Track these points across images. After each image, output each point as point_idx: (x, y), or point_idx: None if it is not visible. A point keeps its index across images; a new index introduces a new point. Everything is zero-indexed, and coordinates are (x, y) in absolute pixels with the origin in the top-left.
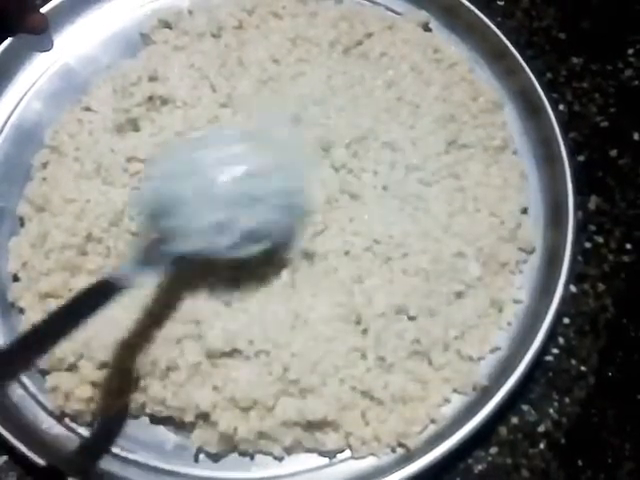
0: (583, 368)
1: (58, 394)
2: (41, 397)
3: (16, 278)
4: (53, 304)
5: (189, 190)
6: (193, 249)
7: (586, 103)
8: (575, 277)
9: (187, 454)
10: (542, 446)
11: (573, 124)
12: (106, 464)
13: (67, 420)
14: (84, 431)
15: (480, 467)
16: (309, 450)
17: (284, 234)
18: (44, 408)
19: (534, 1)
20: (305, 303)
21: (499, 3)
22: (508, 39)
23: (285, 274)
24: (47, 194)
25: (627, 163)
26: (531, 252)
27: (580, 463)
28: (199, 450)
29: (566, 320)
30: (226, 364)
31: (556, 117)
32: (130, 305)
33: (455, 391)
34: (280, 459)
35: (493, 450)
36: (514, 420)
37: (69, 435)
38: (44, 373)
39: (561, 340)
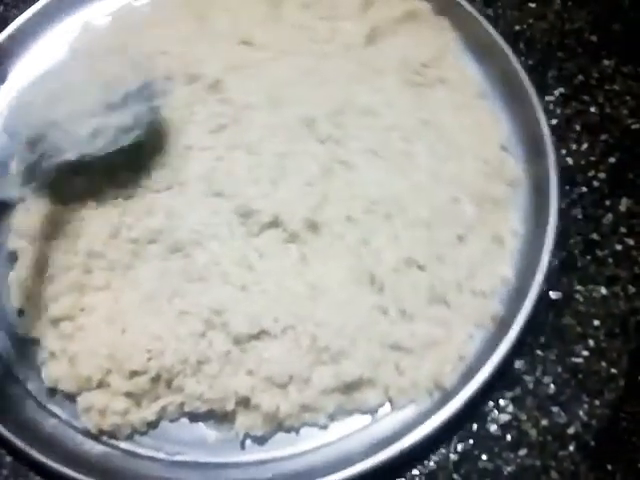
0: (613, 370)
1: (92, 413)
2: (75, 421)
3: (21, 312)
4: (68, 327)
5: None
6: (73, 157)
7: (617, 105)
8: (606, 279)
9: (232, 444)
10: (572, 448)
11: (604, 126)
12: (154, 471)
13: (106, 437)
14: (126, 445)
15: (509, 469)
16: (351, 412)
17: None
18: (80, 431)
19: (566, 3)
20: (318, 273)
21: (531, 5)
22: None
23: (294, 249)
24: (36, 222)
25: None
26: (517, 186)
27: (609, 467)
28: (245, 436)
29: (596, 322)
30: (255, 346)
31: (514, 53)
32: (149, 309)
33: (476, 326)
34: (325, 427)
35: (522, 452)
36: (544, 422)
37: (112, 452)
38: (72, 397)
39: (591, 342)
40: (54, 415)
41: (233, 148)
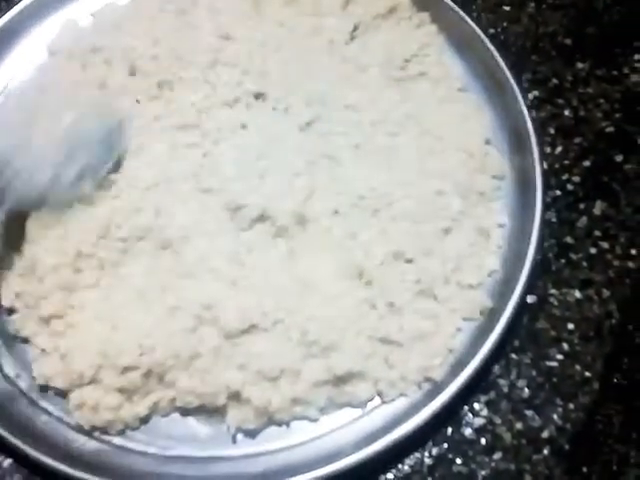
0: (588, 374)
1: (84, 409)
2: (67, 418)
3: (11, 311)
4: (59, 324)
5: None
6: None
7: (592, 108)
8: (580, 283)
9: (223, 438)
10: (546, 452)
11: (579, 129)
12: (147, 466)
13: (98, 433)
14: (118, 440)
15: (484, 473)
16: (342, 405)
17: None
18: (73, 427)
19: (540, 6)
20: (307, 267)
21: (505, 8)
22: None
23: (282, 244)
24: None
25: (632, 168)
26: (502, 178)
27: (585, 470)
28: (236, 430)
29: (570, 326)
30: (246, 341)
31: (492, 44)
32: (139, 305)
33: (464, 319)
34: (315, 421)
35: (497, 455)
36: (518, 426)
37: (104, 447)
38: (64, 394)
39: (565, 346)
40: (46, 412)
41: (218, 143)
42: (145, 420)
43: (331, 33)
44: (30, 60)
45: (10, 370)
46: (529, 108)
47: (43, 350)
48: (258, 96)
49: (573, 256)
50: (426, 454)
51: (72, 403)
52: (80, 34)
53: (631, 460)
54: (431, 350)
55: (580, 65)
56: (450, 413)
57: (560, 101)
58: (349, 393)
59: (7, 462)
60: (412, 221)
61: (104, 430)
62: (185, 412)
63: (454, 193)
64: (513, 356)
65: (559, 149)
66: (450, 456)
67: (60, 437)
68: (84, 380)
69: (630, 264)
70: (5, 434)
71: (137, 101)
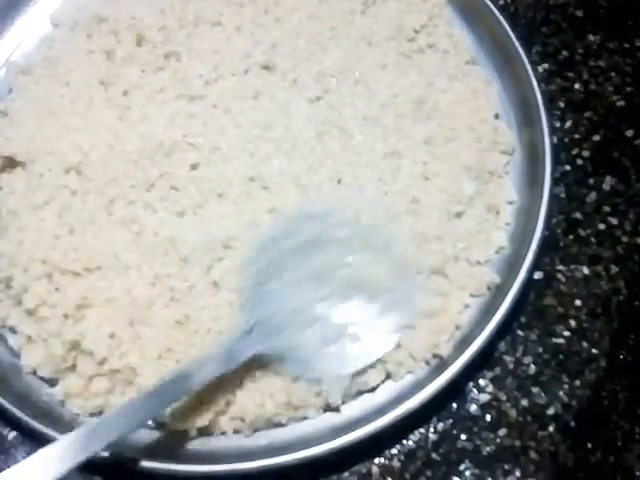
0: (594, 351)
1: (74, 398)
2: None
3: None
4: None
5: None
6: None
7: (602, 82)
8: (588, 259)
9: None
10: (551, 429)
11: (589, 103)
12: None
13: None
14: None
15: (488, 449)
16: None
17: None
18: None
19: None
20: None
21: None
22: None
23: None
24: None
25: None
26: (511, 153)
27: (589, 446)
28: None
29: (578, 302)
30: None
31: (502, 16)
32: None
33: (472, 295)
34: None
35: (502, 432)
36: (523, 402)
37: None
38: (52, 382)
39: (572, 322)
40: (51, 384)
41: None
42: None
43: (343, 4)
44: (33, 32)
45: (14, 343)
46: (538, 81)
47: (29, 337)
48: (267, 67)
49: (582, 232)
50: (431, 430)
51: (62, 393)
52: (82, 4)
53: (636, 436)
54: (439, 327)
55: (591, 37)
56: (455, 389)
57: (570, 74)
58: (361, 383)
59: (12, 435)
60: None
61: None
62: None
63: (467, 177)
64: (519, 332)
65: (569, 123)
66: (455, 432)
67: (65, 410)
68: (63, 363)
69: (639, 240)
70: (10, 407)
71: (142, 71)
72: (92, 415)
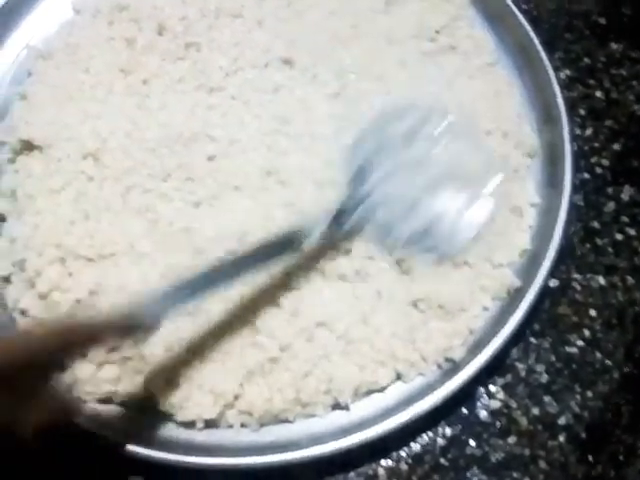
0: (608, 362)
1: (83, 385)
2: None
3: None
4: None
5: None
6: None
7: (624, 91)
8: (604, 269)
9: None
10: (562, 439)
11: (610, 112)
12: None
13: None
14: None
15: (497, 456)
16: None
17: None
18: None
19: None
20: None
21: None
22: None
23: None
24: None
25: None
26: (533, 156)
27: (590, 459)
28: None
29: (593, 312)
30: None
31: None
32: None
33: (492, 299)
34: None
35: (511, 440)
36: (534, 411)
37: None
38: None
39: (587, 332)
40: None
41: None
42: None
43: (365, 2)
44: (54, 18)
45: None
46: (559, 88)
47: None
48: (287, 62)
49: (599, 241)
50: (440, 434)
51: (70, 380)
52: None
53: (638, 452)
54: (453, 330)
55: (614, 46)
56: (466, 394)
57: (592, 82)
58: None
59: None
60: None
61: (109, 400)
62: None
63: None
64: (532, 340)
65: (589, 131)
66: (464, 437)
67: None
68: None
69: None
70: None
71: (163, 60)
72: (100, 402)
